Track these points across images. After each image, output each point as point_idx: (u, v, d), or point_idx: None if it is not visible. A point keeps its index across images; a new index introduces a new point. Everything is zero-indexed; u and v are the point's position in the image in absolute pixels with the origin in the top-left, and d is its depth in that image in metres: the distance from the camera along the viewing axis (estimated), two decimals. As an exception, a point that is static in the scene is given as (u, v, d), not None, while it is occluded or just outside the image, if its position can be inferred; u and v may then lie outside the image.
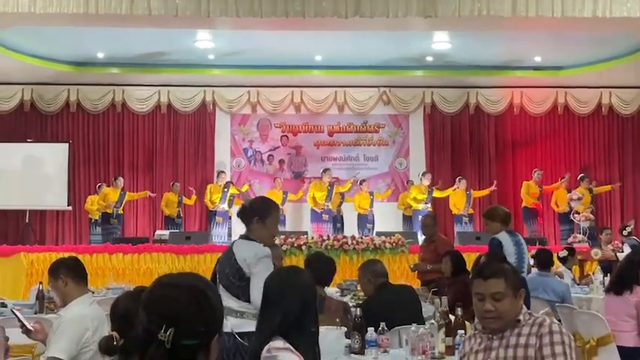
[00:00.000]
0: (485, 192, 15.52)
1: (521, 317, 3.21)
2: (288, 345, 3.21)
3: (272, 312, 3.33)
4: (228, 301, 4.41)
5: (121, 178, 15.01)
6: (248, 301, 4.42)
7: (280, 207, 14.64)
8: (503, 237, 6.89)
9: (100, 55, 15.00)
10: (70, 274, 4.31)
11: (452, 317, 4.57)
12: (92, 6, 10.41)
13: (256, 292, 4.15)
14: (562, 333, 3.14)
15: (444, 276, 7.59)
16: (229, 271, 4.65)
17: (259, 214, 4.70)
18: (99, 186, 15.13)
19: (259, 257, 4.53)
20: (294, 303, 3.32)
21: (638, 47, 13.93)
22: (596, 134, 16.82)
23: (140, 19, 10.99)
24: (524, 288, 3.33)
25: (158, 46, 14.34)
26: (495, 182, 15.49)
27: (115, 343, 2.04)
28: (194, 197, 15.44)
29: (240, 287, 4.48)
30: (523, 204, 15.10)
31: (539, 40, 13.84)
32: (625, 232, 11.85)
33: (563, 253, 9.47)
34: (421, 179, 15.11)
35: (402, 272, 11.53)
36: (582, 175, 15.32)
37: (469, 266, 7.28)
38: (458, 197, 15.12)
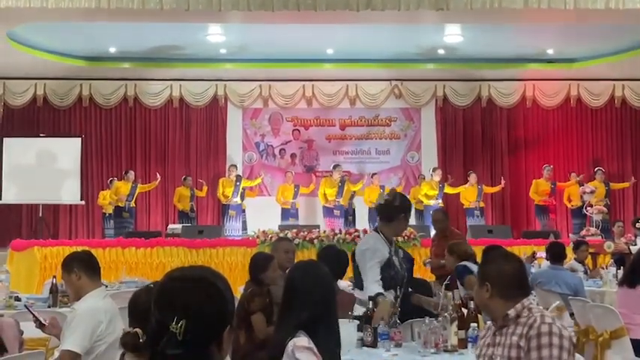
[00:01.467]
0: (497, 189, 15.45)
1: (512, 313, 3.16)
2: (311, 344, 3.21)
3: (298, 306, 3.34)
4: None
5: (131, 172, 15.07)
6: None
7: (292, 200, 14.86)
8: (469, 264, 6.69)
9: (112, 50, 15.04)
10: (84, 268, 4.32)
11: (465, 310, 4.56)
12: (104, 1, 10.44)
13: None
14: (551, 334, 3.03)
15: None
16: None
17: (406, 211, 5.15)
18: (110, 180, 15.21)
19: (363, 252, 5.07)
20: (321, 296, 3.34)
21: (651, 39, 13.86)
22: (609, 127, 16.74)
23: (152, 14, 11.01)
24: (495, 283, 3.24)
25: (170, 41, 14.36)
26: (503, 180, 15.41)
27: (140, 340, 2.04)
28: (205, 189, 15.49)
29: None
30: (535, 201, 15.10)
31: (551, 33, 13.79)
32: (638, 225, 11.79)
33: (571, 245, 9.48)
34: (432, 175, 15.09)
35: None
36: (598, 168, 15.28)
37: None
38: (469, 191, 15.10)
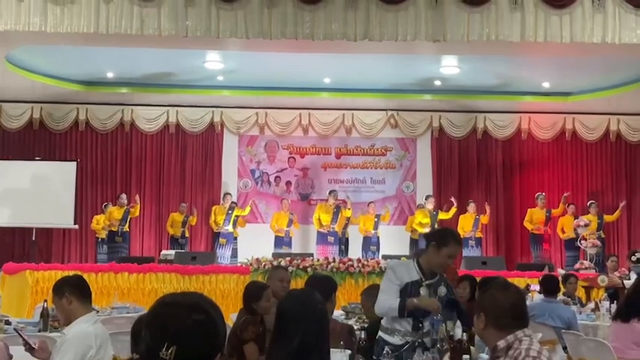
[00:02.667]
0: (486, 217, 15.47)
1: (502, 344, 3.12)
2: None
3: (290, 334, 3.31)
4: None
5: (124, 195, 15.06)
6: None
7: (286, 229, 14.84)
8: None
9: (110, 75, 15.08)
10: (75, 293, 4.30)
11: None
12: (102, 26, 10.46)
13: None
14: None
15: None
16: None
17: (437, 241, 4.91)
18: (105, 205, 15.18)
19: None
20: (313, 325, 3.31)
21: (647, 74, 13.94)
22: (604, 161, 16.78)
23: (150, 40, 11.04)
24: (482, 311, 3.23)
25: (167, 67, 14.41)
26: (488, 207, 15.42)
27: None
28: (195, 218, 15.47)
29: None
30: (530, 231, 15.12)
31: (547, 66, 13.86)
32: (634, 258, 11.75)
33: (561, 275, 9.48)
34: (425, 203, 15.13)
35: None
36: (592, 201, 15.30)
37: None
38: (466, 220, 15.12)
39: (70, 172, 14.97)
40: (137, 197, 15.27)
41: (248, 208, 15.64)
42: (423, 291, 4.86)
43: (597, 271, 12.73)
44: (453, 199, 15.35)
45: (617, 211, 15.45)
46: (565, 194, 15.39)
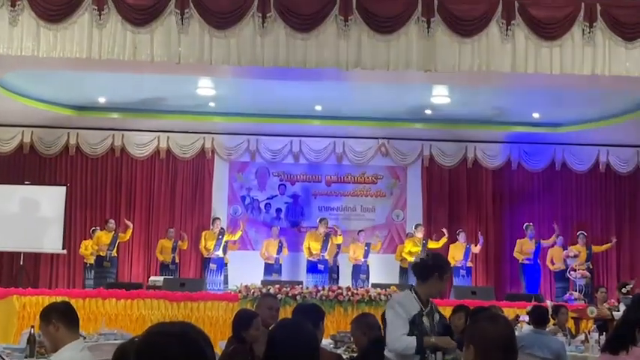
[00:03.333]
0: (478, 247, 15.50)
1: None
2: None
3: None
4: None
5: (112, 221, 15.01)
6: None
7: (276, 256, 14.81)
8: None
9: (102, 100, 15.09)
10: (62, 320, 4.26)
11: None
12: (95, 51, 10.47)
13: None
14: None
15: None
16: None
17: (440, 270, 5.02)
18: (93, 230, 15.13)
19: (389, 304, 5.06)
20: (303, 356, 3.29)
21: (636, 106, 14.04)
22: (593, 192, 16.85)
23: (142, 66, 11.06)
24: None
25: (159, 92, 14.43)
26: (482, 240, 15.44)
27: None
28: (186, 242, 15.43)
29: None
30: (519, 261, 15.13)
31: (537, 97, 13.94)
32: (624, 290, 11.76)
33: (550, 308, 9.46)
34: (414, 232, 15.14)
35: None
36: (580, 232, 15.33)
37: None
38: (457, 250, 15.11)
39: (59, 197, 14.91)
40: (129, 223, 15.22)
41: (239, 233, 15.59)
42: (425, 320, 4.90)
43: (586, 302, 12.73)
44: (444, 230, 15.35)
45: (607, 245, 15.48)
46: (555, 227, 15.38)
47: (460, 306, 7.59)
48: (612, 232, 16.32)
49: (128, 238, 15.32)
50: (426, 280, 5.00)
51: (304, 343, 3.32)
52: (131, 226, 15.18)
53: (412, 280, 13.40)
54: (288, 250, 15.48)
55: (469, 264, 15.13)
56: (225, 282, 14.74)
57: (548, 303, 10.43)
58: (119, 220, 15.49)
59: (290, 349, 3.29)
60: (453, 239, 15.33)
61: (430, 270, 5.01)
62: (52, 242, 14.76)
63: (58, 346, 4.26)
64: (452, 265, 14.93)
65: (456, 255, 15.03)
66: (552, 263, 15.12)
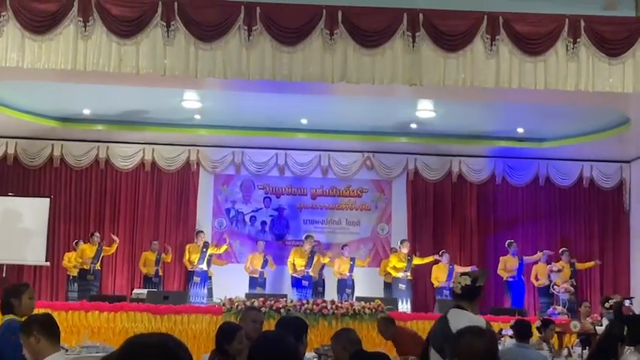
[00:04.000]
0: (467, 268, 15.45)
1: None
2: None
3: None
4: None
5: (97, 234, 14.93)
6: None
7: (261, 270, 14.77)
8: None
9: (86, 112, 15.03)
10: (43, 332, 4.24)
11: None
12: (80, 63, 10.45)
13: None
14: None
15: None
16: (441, 337, 4.99)
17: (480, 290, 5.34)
18: (76, 242, 15.04)
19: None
20: None
21: (620, 122, 14.12)
22: (577, 207, 16.92)
23: (128, 78, 11.03)
24: None
25: (145, 105, 14.39)
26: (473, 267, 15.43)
27: None
28: (170, 255, 15.37)
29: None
30: (503, 278, 15.14)
31: (522, 112, 14.00)
32: (607, 305, 11.77)
33: (538, 324, 9.46)
34: (400, 247, 15.12)
35: (380, 339, 11.40)
36: (563, 249, 15.38)
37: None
38: (440, 271, 15.05)
39: (43, 209, 14.83)
40: (116, 238, 15.17)
41: (224, 247, 15.53)
42: None
43: (570, 317, 12.75)
44: (438, 257, 15.19)
45: (591, 263, 15.52)
46: (542, 253, 15.41)
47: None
48: (596, 247, 16.40)
49: (113, 251, 15.25)
50: (473, 301, 5.31)
51: (284, 355, 3.31)
52: (117, 241, 15.12)
53: (396, 294, 13.47)
54: (275, 264, 15.42)
55: (452, 284, 15.03)
56: (210, 295, 14.68)
57: (537, 321, 10.37)
58: (104, 233, 15.43)
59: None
60: (433, 252, 15.34)
61: (478, 291, 5.36)
62: (35, 254, 14.68)
63: (38, 358, 4.23)
64: (435, 285, 14.99)
65: (439, 276, 14.97)
66: (537, 279, 15.14)
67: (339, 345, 5.56)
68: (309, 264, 14.62)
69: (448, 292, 14.84)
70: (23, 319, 4.76)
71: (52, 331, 4.30)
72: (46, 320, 4.38)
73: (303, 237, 15.25)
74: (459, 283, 5.34)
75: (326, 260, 15.08)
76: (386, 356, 5.70)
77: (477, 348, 3.22)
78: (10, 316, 5.39)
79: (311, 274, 14.65)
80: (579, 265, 15.33)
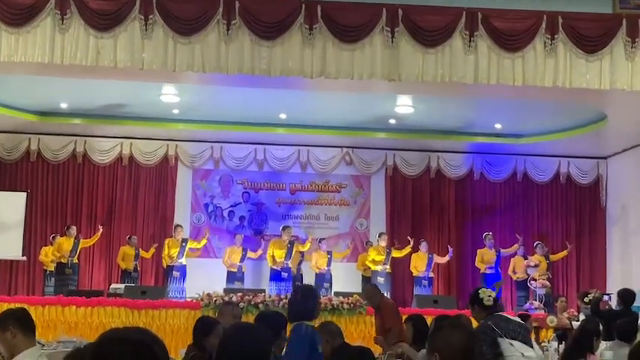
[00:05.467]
0: (445, 259, 15.54)
1: None
2: None
3: None
4: None
5: (73, 227, 14.83)
6: None
7: (239, 264, 14.74)
8: None
9: (64, 106, 14.92)
10: (18, 326, 4.20)
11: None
12: (57, 56, 10.38)
13: None
14: None
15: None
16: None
17: None
18: (53, 237, 14.94)
19: None
20: (252, 357, 3.24)
21: (597, 118, 14.23)
22: (553, 202, 17.03)
23: (105, 71, 10.97)
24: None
25: (123, 99, 14.31)
26: (451, 252, 15.48)
27: None
28: (152, 251, 15.29)
29: None
30: (481, 271, 15.22)
31: (500, 108, 14.07)
32: (586, 300, 11.80)
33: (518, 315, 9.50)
34: (378, 240, 15.17)
35: (359, 334, 11.47)
36: (538, 242, 15.47)
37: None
38: (419, 259, 15.14)
39: (19, 203, 14.71)
40: (100, 227, 15.10)
41: (204, 241, 15.48)
42: None
43: (546, 312, 12.84)
44: (409, 238, 15.35)
45: (564, 252, 15.62)
46: (518, 237, 15.50)
47: (408, 317, 7.57)
48: (572, 243, 16.49)
49: (94, 242, 15.15)
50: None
51: (254, 344, 3.27)
52: (101, 230, 15.04)
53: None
54: (250, 259, 15.38)
55: (431, 274, 15.19)
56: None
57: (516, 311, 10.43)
58: (81, 227, 15.34)
59: (239, 352, 3.24)
60: (415, 248, 15.40)
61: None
62: (11, 249, 14.55)
63: (14, 353, 4.20)
64: (414, 275, 15.05)
65: (418, 265, 15.08)
66: (514, 272, 15.23)
67: (322, 338, 5.55)
68: (288, 255, 14.62)
69: (427, 282, 14.95)
70: None
71: (27, 326, 4.27)
72: (21, 315, 4.35)
73: (280, 228, 15.24)
74: (490, 296, 5.63)
75: (306, 248, 15.08)
76: (369, 350, 5.71)
77: (456, 342, 3.22)
78: None
79: (290, 265, 14.64)
80: (553, 257, 15.43)
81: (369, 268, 14.92)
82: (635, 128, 13.96)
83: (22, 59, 10.39)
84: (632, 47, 10.74)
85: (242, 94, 13.28)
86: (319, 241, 15.37)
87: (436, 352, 3.19)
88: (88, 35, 10.41)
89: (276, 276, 14.63)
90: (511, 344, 5.44)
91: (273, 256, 14.74)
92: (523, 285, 15.00)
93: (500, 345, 5.45)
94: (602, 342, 6.80)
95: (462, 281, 16.50)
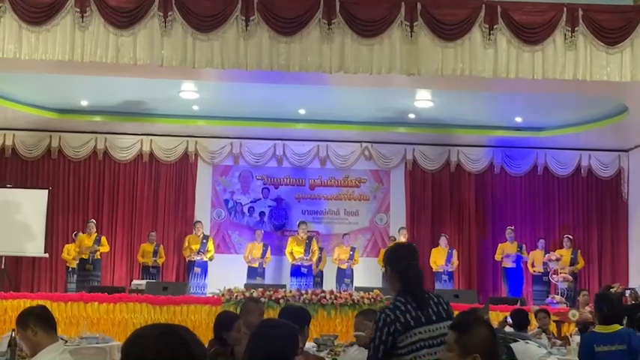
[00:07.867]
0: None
1: None
2: None
3: None
4: None
5: (92, 220, 14.90)
6: None
7: (260, 259, 14.77)
8: None
9: (84, 103, 15.01)
10: (40, 323, 4.23)
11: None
12: (78, 54, 10.45)
13: None
14: None
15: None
16: None
17: None
18: (75, 234, 15.03)
19: None
20: (282, 355, 3.26)
21: (617, 111, 14.12)
22: (575, 196, 16.92)
23: (125, 69, 11.03)
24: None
25: (143, 96, 14.38)
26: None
27: None
28: (162, 259, 15.28)
29: None
30: (502, 265, 15.18)
31: (519, 101, 14.01)
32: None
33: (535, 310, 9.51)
34: (398, 235, 15.15)
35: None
36: (566, 235, 15.40)
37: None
38: (439, 254, 15.11)
39: (41, 200, 14.80)
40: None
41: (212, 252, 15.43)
42: None
43: (569, 306, 12.77)
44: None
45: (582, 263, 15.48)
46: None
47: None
48: (594, 237, 16.42)
49: (106, 250, 15.14)
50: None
51: (285, 342, 3.30)
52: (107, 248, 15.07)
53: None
54: (272, 255, 15.42)
55: (451, 269, 15.15)
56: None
57: (534, 307, 10.40)
58: (102, 224, 15.44)
59: (269, 347, 3.26)
60: (435, 243, 15.36)
61: None
62: (34, 246, 14.65)
63: (37, 350, 4.23)
64: (434, 269, 15.01)
65: (437, 259, 15.04)
66: (533, 266, 15.17)
67: (363, 325, 5.35)
68: (307, 250, 14.64)
69: (447, 276, 14.91)
70: None
71: (48, 323, 4.29)
72: (41, 312, 4.37)
73: (297, 224, 15.26)
74: None
75: (315, 247, 15.04)
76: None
77: (489, 338, 3.18)
78: None
79: (311, 259, 14.65)
80: (579, 265, 15.21)
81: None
82: (656, 120, 13.85)
83: (43, 57, 10.47)
84: (653, 39, 10.66)
85: (261, 90, 13.30)
86: (342, 236, 15.39)
87: (476, 354, 3.10)
88: (108, 33, 10.47)
89: (296, 271, 14.67)
90: None
91: (292, 253, 14.77)
92: (540, 279, 14.94)
93: None
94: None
95: (482, 276, 16.46)
